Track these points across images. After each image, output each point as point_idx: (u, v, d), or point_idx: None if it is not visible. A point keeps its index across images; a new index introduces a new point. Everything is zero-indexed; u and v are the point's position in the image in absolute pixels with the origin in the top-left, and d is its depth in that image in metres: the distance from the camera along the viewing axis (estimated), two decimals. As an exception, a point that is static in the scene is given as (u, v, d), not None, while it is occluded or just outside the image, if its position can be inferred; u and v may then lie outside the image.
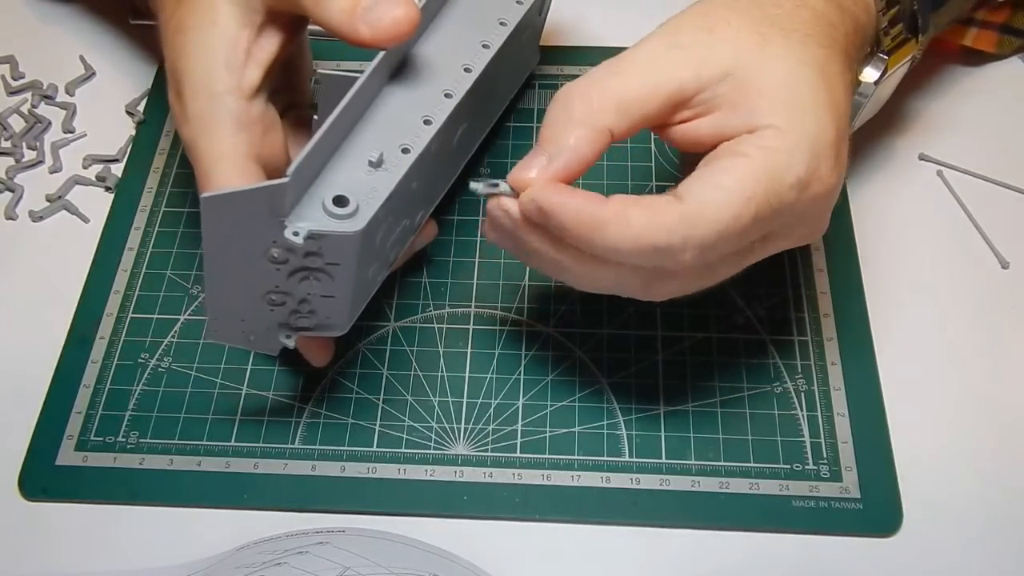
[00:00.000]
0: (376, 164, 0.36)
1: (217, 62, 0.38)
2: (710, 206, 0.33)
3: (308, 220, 0.34)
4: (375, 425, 0.44)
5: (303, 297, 0.38)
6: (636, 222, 0.33)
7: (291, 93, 0.44)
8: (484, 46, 0.40)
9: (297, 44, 0.42)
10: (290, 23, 0.40)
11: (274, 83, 0.41)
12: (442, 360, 0.46)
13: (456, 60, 0.39)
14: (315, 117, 0.38)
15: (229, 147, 0.39)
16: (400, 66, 0.38)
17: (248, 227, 0.34)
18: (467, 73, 0.39)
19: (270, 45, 0.40)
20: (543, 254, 0.36)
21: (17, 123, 0.55)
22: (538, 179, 0.34)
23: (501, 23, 0.41)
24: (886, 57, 0.41)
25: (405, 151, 0.37)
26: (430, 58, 0.39)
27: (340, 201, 0.35)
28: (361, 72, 0.37)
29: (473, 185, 0.35)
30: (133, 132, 0.54)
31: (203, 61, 0.39)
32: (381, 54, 0.36)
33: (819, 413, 0.43)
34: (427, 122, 0.38)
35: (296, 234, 0.33)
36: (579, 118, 0.34)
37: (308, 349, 0.43)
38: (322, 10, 0.37)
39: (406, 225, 0.41)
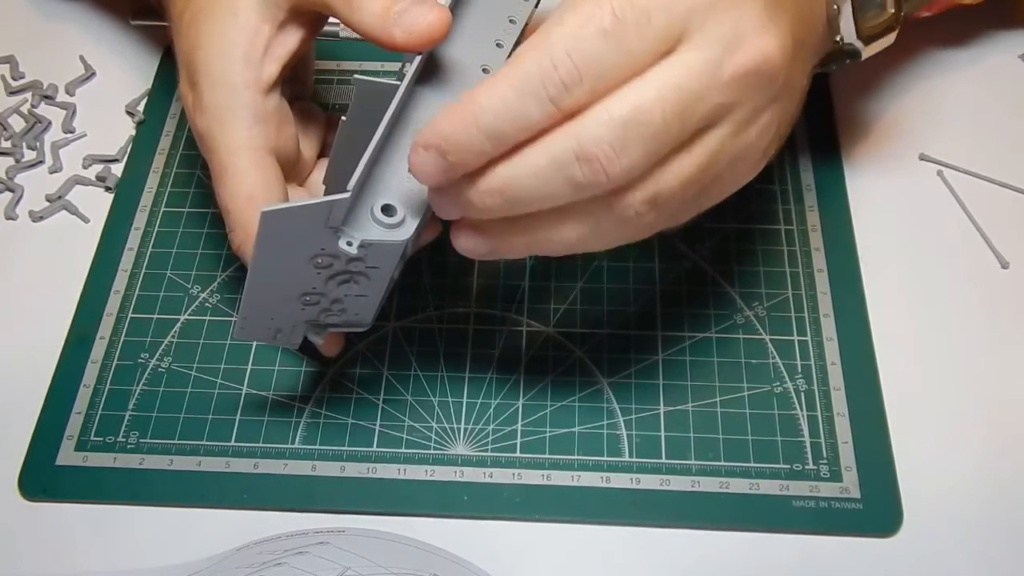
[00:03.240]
0: None
1: (236, 54, 0.38)
2: (557, 21, 0.30)
3: (359, 229, 0.35)
4: (375, 425, 0.44)
5: (337, 297, 0.38)
6: (500, 73, 0.31)
7: (295, 85, 0.44)
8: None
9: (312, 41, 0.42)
10: (311, 21, 0.40)
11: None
12: (442, 360, 0.46)
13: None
14: (343, 119, 0.38)
15: (246, 139, 0.39)
16: (424, 68, 0.39)
17: (300, 236, 0.34)
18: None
19: (290, 41, 0.40)
20: (498, 227, 0.34)
21: (17, 123, 0.55)
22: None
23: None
24: None
25: None
26: (450, 59, 0.39)
27: (388, 210, 0.35)
28: (388, 77, 0.37)
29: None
30: (133, 132, 0.54)
31: (221, 53, 0.38)
32: (418, 59, 0.36)
33: (819, 413, 0.43)
34: None
35: (350, 244, 0.34)
36: None
37: (323, 341, 0.43)
38: (354, 13, 0.36)
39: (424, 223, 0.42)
